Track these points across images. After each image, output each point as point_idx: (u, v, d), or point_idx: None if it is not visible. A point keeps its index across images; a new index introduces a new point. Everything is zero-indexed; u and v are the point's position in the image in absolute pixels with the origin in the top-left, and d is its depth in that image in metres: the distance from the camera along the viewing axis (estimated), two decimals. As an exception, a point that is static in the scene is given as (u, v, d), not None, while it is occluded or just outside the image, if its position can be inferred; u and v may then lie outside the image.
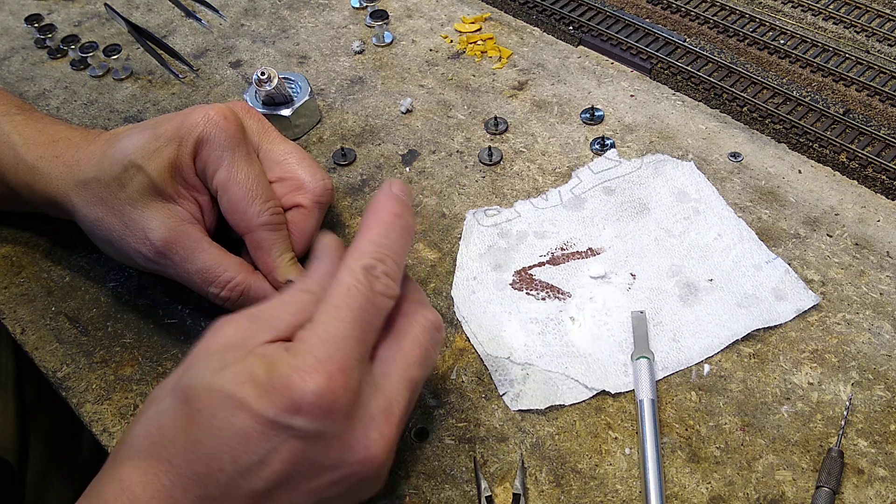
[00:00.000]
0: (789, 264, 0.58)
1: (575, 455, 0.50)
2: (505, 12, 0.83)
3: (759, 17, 0.80)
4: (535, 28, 0.81)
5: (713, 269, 0.58)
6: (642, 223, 0.62)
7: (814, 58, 0.75)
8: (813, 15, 0.80)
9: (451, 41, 0.79)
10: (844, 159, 0.65)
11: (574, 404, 0.52)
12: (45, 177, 0.56)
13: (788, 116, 0.68)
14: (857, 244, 0.60)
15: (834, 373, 0.53)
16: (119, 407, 0.54)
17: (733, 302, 0.56)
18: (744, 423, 0.51)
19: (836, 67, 0.74)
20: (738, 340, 0.54)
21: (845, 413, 0.50)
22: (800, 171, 0.65)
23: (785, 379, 0.53)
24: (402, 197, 0.46)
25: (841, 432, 0.49)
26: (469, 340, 0.56)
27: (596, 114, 0.70)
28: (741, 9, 0.81)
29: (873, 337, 0.54)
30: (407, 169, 0.68)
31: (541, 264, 0.60)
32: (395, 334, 0.45)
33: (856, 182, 0.64)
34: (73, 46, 0.79)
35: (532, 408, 0.52)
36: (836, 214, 0.62)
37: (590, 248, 0.61)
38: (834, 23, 0.79)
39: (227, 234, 0.56)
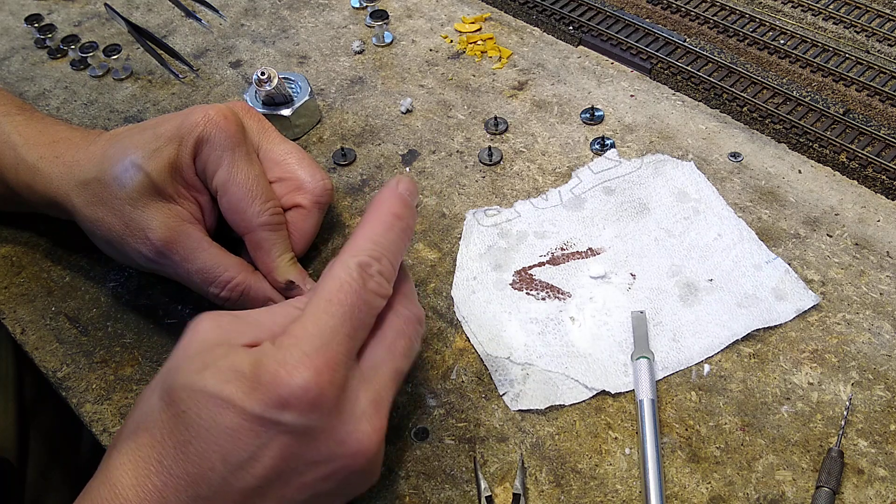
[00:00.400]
0: (789, 264, 0.58)
1: (575, 455, 0.50)
2: (505, 12, 0.83)
3: (759, 17, 0.80)
4: (535, 28, 0.80)
5: (713, 269, 0.58)
6: (642, 223, 0.62)
7: (814, 58, 0.75)
8: (813, 15, 0.80)
9: (451, 41, 0.79)
10: (844, 159, 0.65)
11: (574, 404, 0.52)
12: (46, 177, 0.56)
13: (788, 116, 0.68)
14: (857, 244, 0.59)
15: (834, 373, 0.53)
16: (119, 407, 0.54)
17: (733, 302, 0.56)
18: (744, 423, 0.51)
19: (836, 67, 0.74)
20: (738, 340, 0.54)
21: (845, 413, 0.50)
22: (800, 171, 0.65)
23: (785, 379, 0.52)
24: (407, 197, 0.46)
25: (841, 432, 0.49)
26: (469, 340, 0.56)
27: (596, 114, 0.70)
28: (741, 9, 0.81)
29: (873, 337, 0.54)
30: (407, 169, 0.68)
31: (541, 264, 0.60)
32: (380, 326, 0.45)
33: (856, 182, 0.64)
34: (73, 46, 0.79)
35: (532, 408, 0.52)
36: (836, 214, 0.62)
37: (590, 248, 0.60)
38: (834, 23, 0.79)
39: (227, 234, 0.56)
